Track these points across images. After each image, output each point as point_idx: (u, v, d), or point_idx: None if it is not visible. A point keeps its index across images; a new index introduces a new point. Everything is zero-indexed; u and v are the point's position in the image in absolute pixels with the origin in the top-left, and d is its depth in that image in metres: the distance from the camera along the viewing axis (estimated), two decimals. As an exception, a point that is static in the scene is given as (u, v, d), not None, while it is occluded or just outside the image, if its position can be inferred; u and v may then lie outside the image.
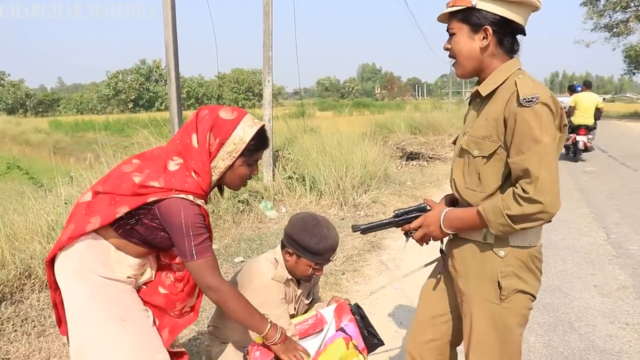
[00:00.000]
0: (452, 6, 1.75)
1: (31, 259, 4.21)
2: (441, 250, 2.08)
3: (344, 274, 4.75)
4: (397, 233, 6.12)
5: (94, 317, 1.86)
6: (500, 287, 1.74)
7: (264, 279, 2.37)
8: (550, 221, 1.63)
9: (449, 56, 1.84)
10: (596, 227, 6.33)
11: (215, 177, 1.91)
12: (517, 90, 1.64)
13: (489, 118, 1.73)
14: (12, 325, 3.50)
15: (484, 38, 1.73)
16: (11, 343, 3.34)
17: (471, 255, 1.83)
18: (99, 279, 1.88)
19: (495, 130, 1.70)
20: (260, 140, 1.93)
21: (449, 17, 1.80)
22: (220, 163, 1.89)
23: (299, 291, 2.53)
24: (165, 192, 1.79)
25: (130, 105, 68.44)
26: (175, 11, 6.95)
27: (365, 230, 2.10)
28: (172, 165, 1.85)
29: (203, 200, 1.88)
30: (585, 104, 11.84)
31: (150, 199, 1.79)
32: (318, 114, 26.65)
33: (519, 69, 1.76)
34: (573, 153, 12.13)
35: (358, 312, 2.48)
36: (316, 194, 7.43)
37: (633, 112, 40.41)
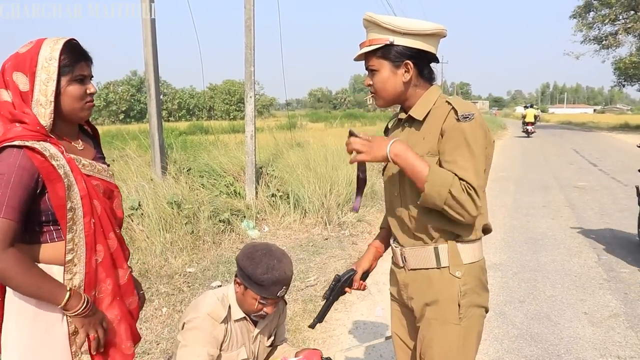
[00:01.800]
0: (369, 45, 1.78)
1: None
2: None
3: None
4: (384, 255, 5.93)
5: None
6: (459, 306, 1.77)
7: (200, 311, 2.17)
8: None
9: (370, 91, 1.87)
10: (587, 247, 6.17)
11: (46, 111, 1.63)
12: (453, 108, 1.71)
13: (426, 137, 1.77)
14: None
15: (406, 72, 1.78)
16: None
17: (427, 283, 1.83)
18: (37, 323, 1.65)
19: (435, 145, 1.74)
20: (72, 52, 1.68)
21: (366, 55, 1.82)
22: (42, 96, 1.62)
23: (256, 331, 2.32)
24: None
25: (122, 116, 67.81)
26: (156, 30, 6.84)
27: (321, 319, 2.17)
28: None
29: (44, 142, 1.61)
30: (529, 113, 27.72)
31: None
32: (310, 126, 26.52)
33: (442, 93, 1.83)
34: (526, 134, 27.41)
35: None
36: (300, 212, 7.22)
37: (623, 123, 40.60)
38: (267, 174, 8.08)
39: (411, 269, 1.88)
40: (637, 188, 6.13)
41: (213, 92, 75.86)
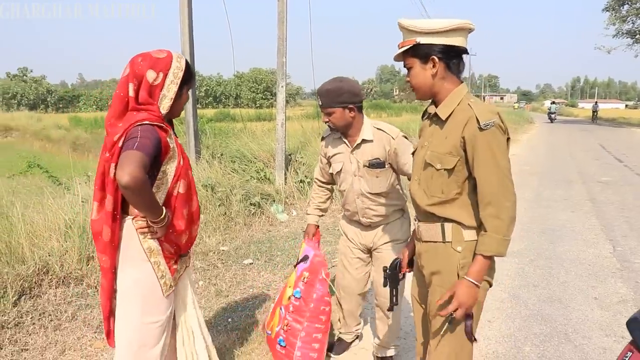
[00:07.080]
0: (402, 47, 2.03)
1: (49, 255, 4.38)
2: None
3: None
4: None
5: (132, 307, 2.21)
6: (458, 277, 2.01)
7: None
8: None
9: (410, 87, 2.11)
10: (603, 239, 6.37)
11: (166, 104, 2.17)
12: (475, 114, 1.91)
13: (448, 137, 1.99)
14: (31, 318, 3.67)
15: (433, 66, 2.00)
16: (29, 335, 3.51)
17: (434, 254, 2.11)
18: (143, 265, 2.20)
19: (455, 148, 1.97)
20: (189, 69, 2.25)
21: (403, 55, 2.07)
22: (167, 92, 2.17)
23: (348, 151, 2.96)
24: (127, 128, 2.04)
25: (151, 102, 68.75)
26: (192, 19, 7.15)
27: (393, 302, 2.47)
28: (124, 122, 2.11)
29: (162, 125, 2.13)
30: (551, 106, 42.13)
31: (118, 140, 2.03)
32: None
33: (467, 92, 2.05)
34: (550, 120, 39.97)
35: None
36: (327, 198, 7.52)
37: (655, 120, 39.90)
38: (296, 160, 8.42)
39: (424, 241, 2.16)
40: None
41: (240, 80, 76.42)
